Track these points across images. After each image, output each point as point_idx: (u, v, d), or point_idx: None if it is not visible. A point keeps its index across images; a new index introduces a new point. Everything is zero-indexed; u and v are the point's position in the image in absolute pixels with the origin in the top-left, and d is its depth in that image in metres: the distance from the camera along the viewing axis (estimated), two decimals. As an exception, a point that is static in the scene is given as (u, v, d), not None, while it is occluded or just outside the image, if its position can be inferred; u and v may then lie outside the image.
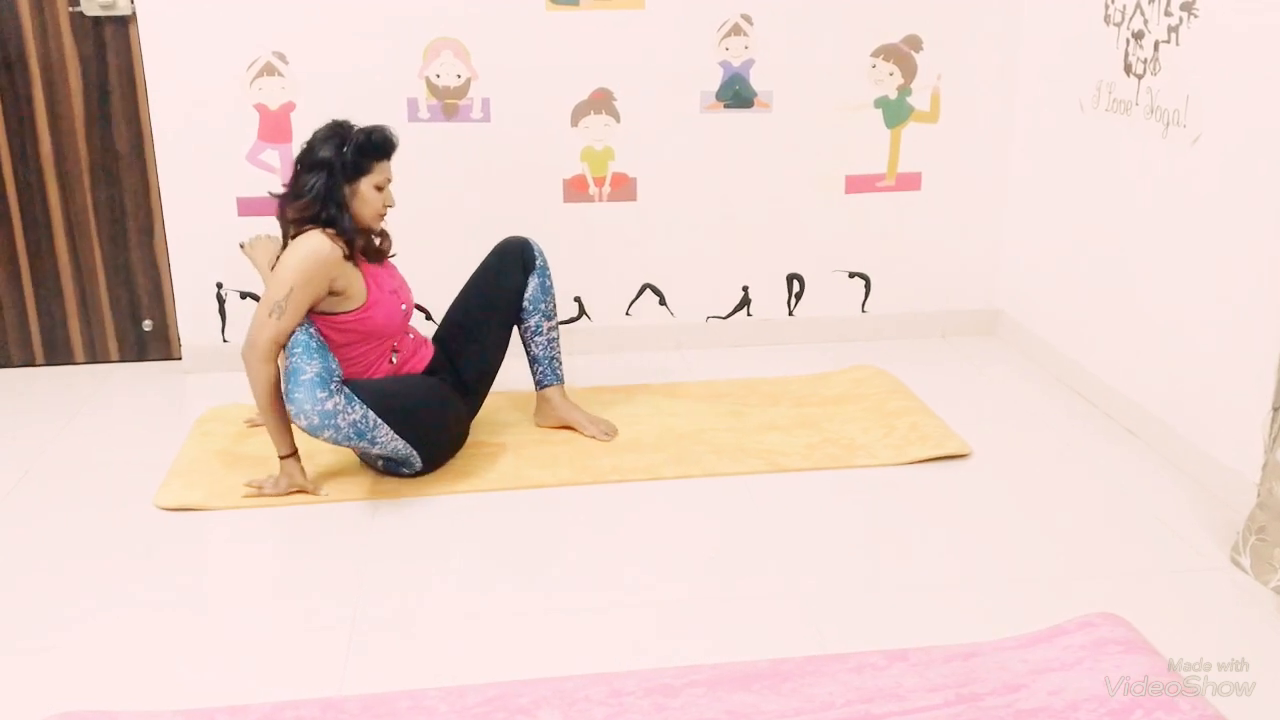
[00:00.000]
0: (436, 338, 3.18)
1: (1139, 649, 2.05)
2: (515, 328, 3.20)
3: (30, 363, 3.87)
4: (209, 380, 3.76)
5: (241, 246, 3.20)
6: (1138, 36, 3.12)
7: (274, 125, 3.66)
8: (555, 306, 3.22)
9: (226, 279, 3.78)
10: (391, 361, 2.98)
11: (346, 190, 2.84)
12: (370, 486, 2.93)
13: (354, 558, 2.62)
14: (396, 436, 2.81)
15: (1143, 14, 3.09)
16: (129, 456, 3.17)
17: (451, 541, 2.71)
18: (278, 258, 2.91)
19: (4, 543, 2.71)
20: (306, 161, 2.84)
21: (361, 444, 2.79)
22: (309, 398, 2.67)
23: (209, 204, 3.70)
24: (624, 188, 3.86)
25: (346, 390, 2.73)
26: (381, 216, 2.93)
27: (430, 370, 3.07)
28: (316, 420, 2.68)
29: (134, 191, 3.74)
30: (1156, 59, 3.04)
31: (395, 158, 2.93)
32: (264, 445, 3.17)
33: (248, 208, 3.71)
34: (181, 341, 3.84)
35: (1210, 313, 2.89)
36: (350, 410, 2.72)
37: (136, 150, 3.70)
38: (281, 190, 2.93)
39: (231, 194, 3.70)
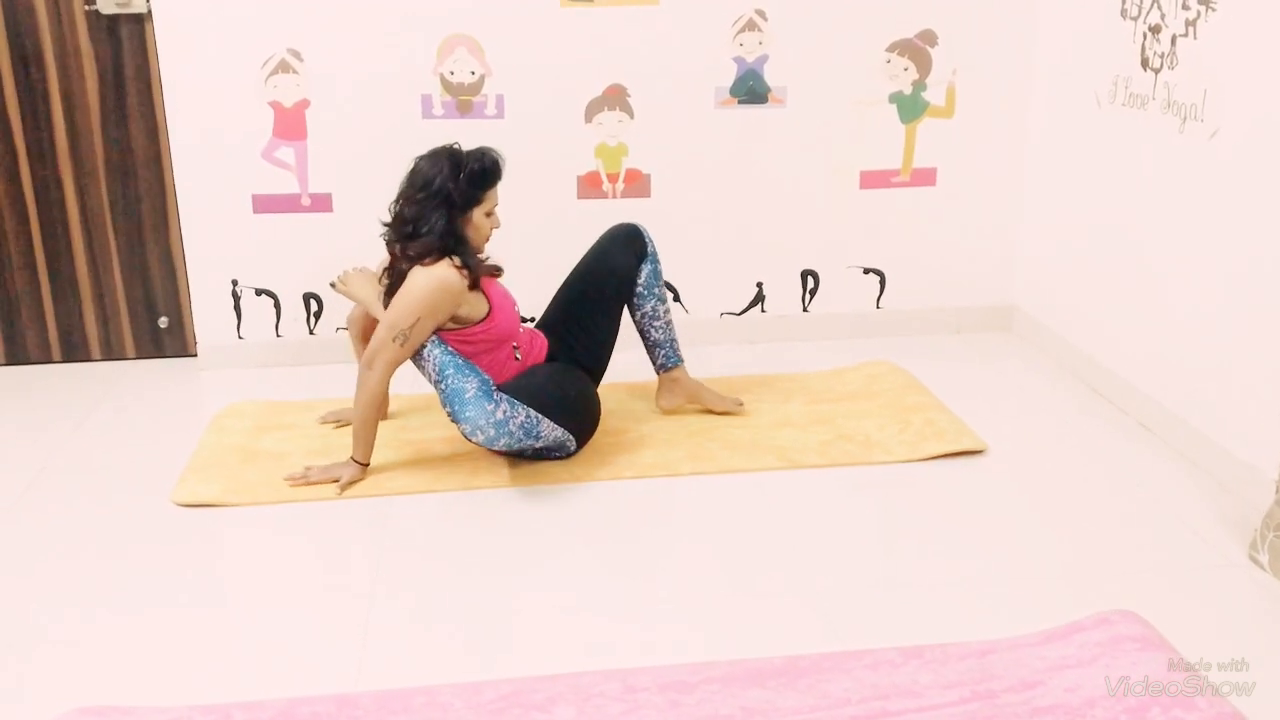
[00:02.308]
0: (544, 323, 3.23)
1: (1156, 646, 2.04)
2: (630, 315, 3.26)
3: (47, 360, 3.89)
4: (225, 377, 3.77)
5: (333, 286, 3.13)
6: (1154, 30, 3.10)
7: (289, 122, 3.67)
8: (665, 290, 3.28)
9: (242, 276, 3.80)
10: (516, 359, 3.04)
11: (460, 220, 2.88)
12: (384, 484, 2.94)
13: (369, 554, 2.63)
14: (557, 426, 2.91)
15: (1159, 8, 3.07)
16: (145, 453, 3.19)
17: (465, 538, 2.72)
18: (382, 283, 2.98)
19: (21, 539, 2.73)
20: (420, 195, 2.83)
21: (528, 442, 2.87)
22: (480, 413, 2.77)
23: (224, 201, 3.71)
24: (638, 184, 3.86)
25: (505, 396, 2.82)
26: (488, 239, 2.98)
27: (550, 357, 3.14)
28: (493, 432, 2.79)
29: (150, 189, 3.76)
30: (1174, 53, 3.02)
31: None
32: (280, 441, 3.18)
33: (262, 205, 3.72)
34: (197, 338, 3.86)
35: (1227, 308, 2.88)
36: (516, 413, 2.82)
37: (152, 148, 3.72)
38: (389, 222, 2.91)
39: (247, 191, 3.71)
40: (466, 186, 2.85)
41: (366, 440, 2.94)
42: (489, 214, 2.93)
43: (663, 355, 3.30)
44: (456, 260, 2.85)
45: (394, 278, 2.92)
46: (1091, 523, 2.73)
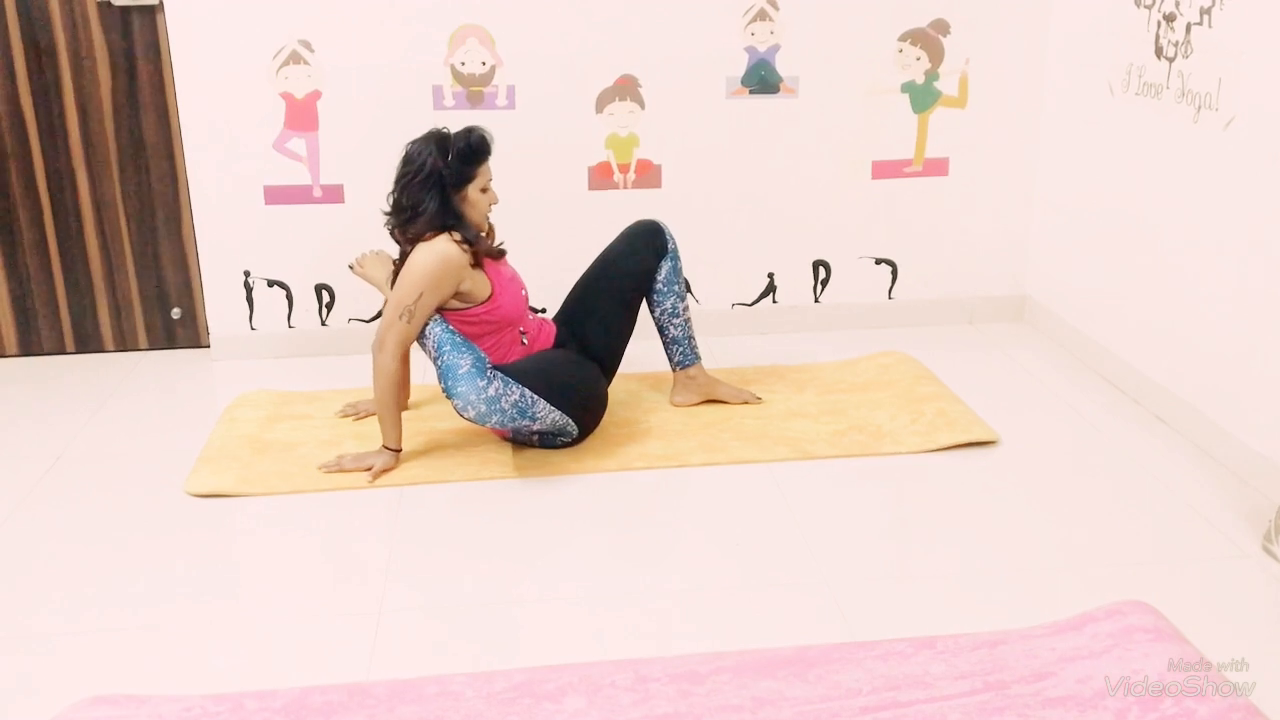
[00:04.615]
0: (559, 315, 3.25)
1: (1168, 637, 2.03)
2: (650, 311, 3.27)
3: (61, 351, 3.91)
4: (237, 367, 3.79)
5: (351, 268, 3.22)
6: (1169, 19, 3.08)
7: (300, 113, 3.67)
8: (685, 288, 3.29)
9: (254, 267, 3.80)
10: (523, 344, 3.05)
11: (456, 199, 2.90)
12: (396, 474, 2.94)
13: (381, 544, 2.64)
14: (554, 409, 2.92)
15: (1174, -4, 3.05)
16: (158, 443, 3.20)
17: (477, 527, 2.72)
18: (395, 268, 3.01)
19: (36, 529, 2.74)
20: (414, 180, 2.88)
21: (523, 422, 2.89)
22: (471, 388, 2.79)
23: (236, 192, 3.71)
24: (649, 174, 3.85)
25: (501, 374, 2.84)
26: (488, 215, 3.01)
27: (557, 345, 3.15)
28: (484, 408, 2.80)
29: (162, 180, 3.77)
30: (1188, 41, 3.00)
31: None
32: (292, 431, 3.19)
33: (274, 196, 3.73)
34: (210, 329, 3.87)
35: (1241, 298, 2.86)
36: (510, 392, 2.83)
37: (164, 139, 3.73)
38: (389, 210, 2.96)
39: (259, 182, 3.71)
40: (457, 165, 2.88)
41: (392, 424, 2.95)
42: (484, 190, 2.96)
43: (680, 353, 3.30)
44: (456, 235, 2.88)
45: (400, 262, 2.98)
46: (1104, 514, 2.72)
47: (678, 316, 3.26)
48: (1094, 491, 2.83)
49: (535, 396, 2.87)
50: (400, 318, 2.87)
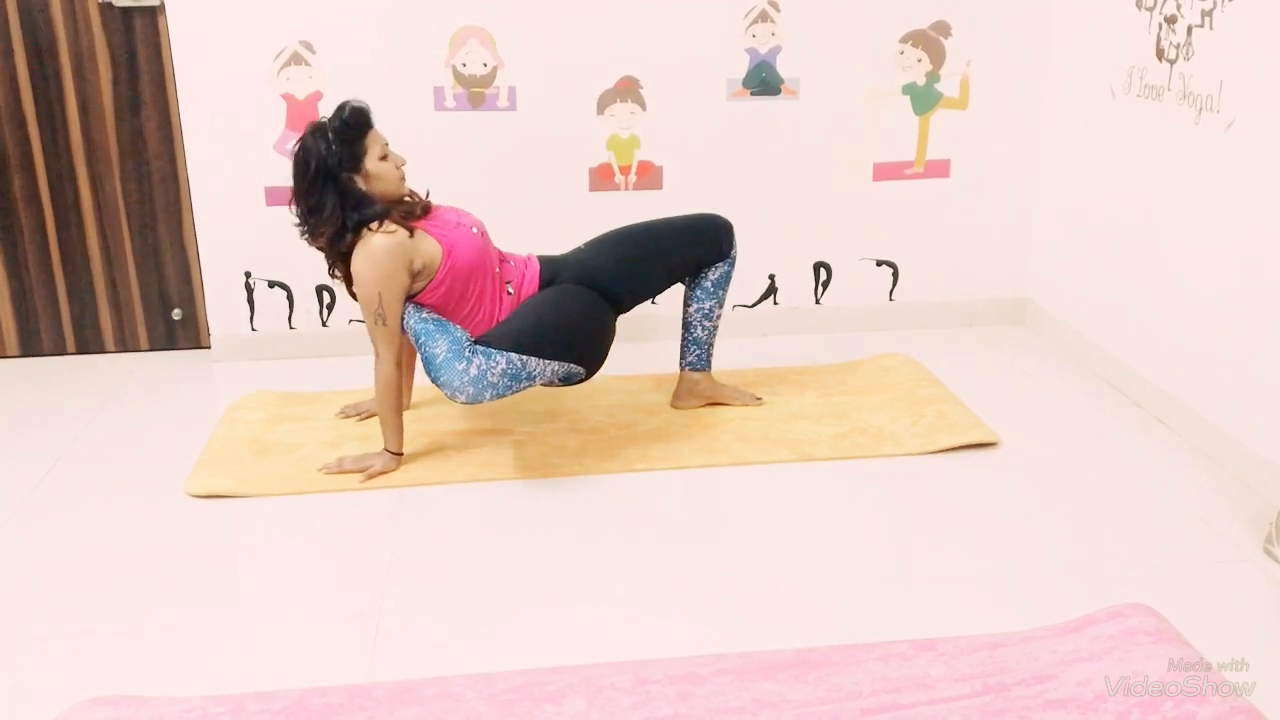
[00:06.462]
0: (599, 243, 3.15)
1: (1169, 640, 2.03)
2: (684, 304, 3.24)
3: (61, 351, 3.91)
4: (238, 369, 3.79)
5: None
6: (1170, 21, 3.08)
7: (301, 115, 3.67)
8: (727, 296, 3.26)
9: (255, 268, 3.80)
10: (509, 293, 2.98)
11: (358, 181, 2.80)
12: (396, 476, 2.94)
13: (381, 546, 2.64)
14: (548, 362, 2.86)
15: (1175, -2, 3.05)
16: (159, 444, 3.20)
17: (478, 529, 2.72)
18: (336, 276, 2.96)
19: (36, 530, 2.74)
20: (307, 182, 2.78)
21: (524, 384, 2.84)
22: (453, 374, 2.75)
23: (237, 193, 3.71)
24: (650, 176, 3.85)
25: (480, 349, 2.79)
26: (403, 179, 2.88)
27: (544, 283, 3.04)
28: (472, 390, 2.76)
29: (163, 181, 3.77)
30: (1189, 44, 3.00)
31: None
32: (293, 433, 3.19)
33: (275, 197, 3.72)
34: (210, 330, 3.87)
35: (1243, 301, 2.86)
36: (494, 364, 2.78)
37: (165, 140, 3.73)
38: (297, 223, 2.87)
39: (260, 183, 3.71)
40: (341, 146, 2.77)
41: (392, 427, 2.93)
42: (384, 157, 2.83)
43: (696, 355, 3.27)
44: (373, 225, 2.79)
45: (340, 269, 2.91)
46: (1104, 517, 2.72)
47: (709, 320, 3.23)
48: (1095, 494, 2.83)
49: (524, 358, 2.81)
50: (376, 323, 2.83)
